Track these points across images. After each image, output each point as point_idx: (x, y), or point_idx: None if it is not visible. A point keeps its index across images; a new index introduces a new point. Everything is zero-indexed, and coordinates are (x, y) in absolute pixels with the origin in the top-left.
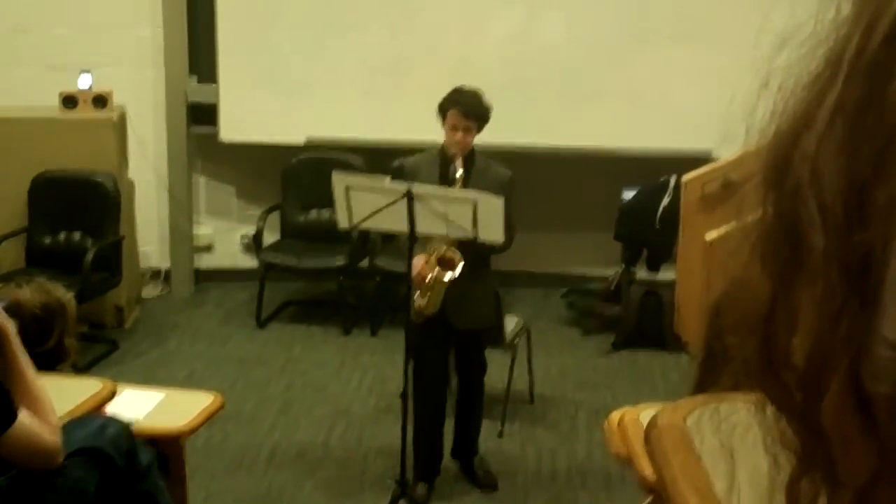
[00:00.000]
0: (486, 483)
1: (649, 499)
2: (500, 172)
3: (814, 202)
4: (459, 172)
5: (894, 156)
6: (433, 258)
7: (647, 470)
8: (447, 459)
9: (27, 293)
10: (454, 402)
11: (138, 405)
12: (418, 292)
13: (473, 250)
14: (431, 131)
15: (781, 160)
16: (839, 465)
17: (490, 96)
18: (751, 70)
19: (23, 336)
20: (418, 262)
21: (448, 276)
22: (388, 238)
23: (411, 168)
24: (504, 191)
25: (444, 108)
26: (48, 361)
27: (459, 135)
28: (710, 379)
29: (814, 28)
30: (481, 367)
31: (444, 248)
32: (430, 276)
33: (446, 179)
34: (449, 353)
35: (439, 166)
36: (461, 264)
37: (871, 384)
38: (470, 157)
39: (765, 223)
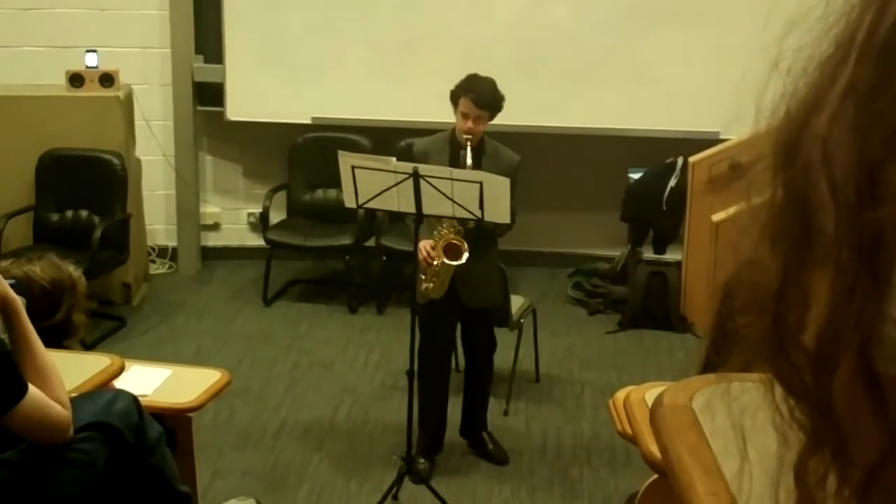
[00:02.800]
0: (497, 455)
1: (654, 477)
2: (509, 157)
3: (825, 182)
4: (469, 161)
5: None
6: (440, 245)
7: (651, 448)
8: (454, 436)
9: (38, 268)
10: (462, 380)
11: (146, 381)
12: (424, 276)
13: (480, 230)
14: (438, 112)
15: (792, 141)
16: (848, 444)
17: (497, 78)
18: (760, 52)
19: (31, 309)
20: (425, 245)
21: (454, 263)
22: (395, 218)
23: (421, 151)
24: (512, 174)
25: (456, 95)
26: (55, 336)
27: (470, 123)
28: (720, 359)
29: (824, 10)
30: (490, 346)
31: (452, 235)
32: (436, 263)
33: (456, 165)
34: (455, 331)
35: (449, 152)
36: (466, 254)
37: (881, 365)
38: (480, 143)
39: (775, 204)
